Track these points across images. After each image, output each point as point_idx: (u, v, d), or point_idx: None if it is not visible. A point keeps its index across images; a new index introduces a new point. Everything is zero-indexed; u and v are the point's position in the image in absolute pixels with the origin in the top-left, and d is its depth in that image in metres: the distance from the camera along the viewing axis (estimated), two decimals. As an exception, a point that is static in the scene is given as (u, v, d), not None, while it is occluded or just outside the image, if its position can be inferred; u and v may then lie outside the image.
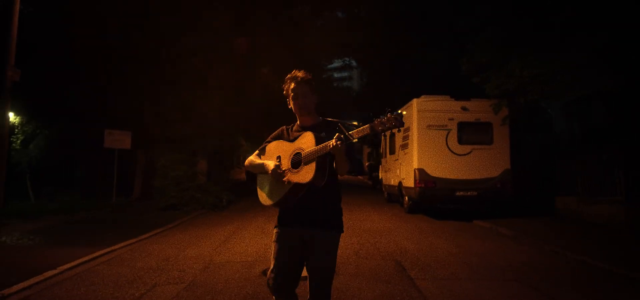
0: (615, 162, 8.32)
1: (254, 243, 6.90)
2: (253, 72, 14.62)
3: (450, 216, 9.77)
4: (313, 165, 2.15)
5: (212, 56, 13.21)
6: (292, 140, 2.35)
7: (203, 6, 12.33)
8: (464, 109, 9.88)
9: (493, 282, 4.66)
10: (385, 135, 14.30)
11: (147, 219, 9.86)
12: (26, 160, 15.49)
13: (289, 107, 2.45)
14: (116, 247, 6.59)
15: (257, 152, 2.51)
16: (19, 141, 15.52)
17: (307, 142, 2.23)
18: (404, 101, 11.03)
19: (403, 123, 1.99)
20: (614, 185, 8.29)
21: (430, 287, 4.37)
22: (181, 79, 13.43)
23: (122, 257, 6.09)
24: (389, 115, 1.96)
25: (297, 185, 2.22)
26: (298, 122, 2.47)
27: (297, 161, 2.24)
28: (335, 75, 37.05)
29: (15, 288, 4.38)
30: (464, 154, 9.73)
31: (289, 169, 2.26)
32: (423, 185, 9.63)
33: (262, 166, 2.37)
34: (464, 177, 9.59)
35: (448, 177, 9.57)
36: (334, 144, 2.04)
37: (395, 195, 12.44)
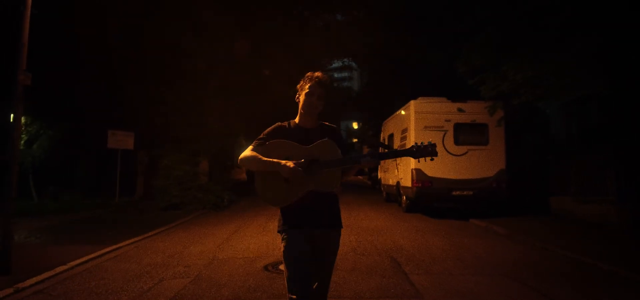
0: (607, 162, 8.55)
1: (256, 241, 7.12)
2: (254, 74, 14.84)
3: (447, 215, 10.00)
4: (337, 175, 2.29)
5: (214, 57, 13.44)
6: (306, 143, 2.33)
7: (205, 8, 12.54)
8: (460, 110, 10.12)
9: (484, 277, 4.88)
10: (384, 137, 14.54)
11: (150, 218, 10.08)
12: (29, 160, 15.69)
13: (296, 100, 2.43)
14: (122, 244, 6.82)
15: (252, 147, 2.37)
16: (22, 141, 15.73)
17: (328, 149, 2.29)
18: (404, 102, 11.28)
19: (436, 153, 2.24)
20: (606, 185, 8.52)
21: (422, 281, 4.60)
22: (183, 81, 13.66)
23: (128, 254, 6.31)
24: (427, 143, 2.24)
25: (316, 191, 2.27)
26: (297, 120, 2.45)
27: (316, 167, 2.27)
28: (336, 75, 37.28)
29: (28, 282, 4.60)
30: (460, 155, 9.96)
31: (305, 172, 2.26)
32: (420, 184, 9.86)
33: (274, 165, 2.26)
34: (460, 177, 9.82)
35: (445, 177, 9.80)
36: (369, 155, 2.25)
37: (393, 194, 12.68)
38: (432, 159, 2.29)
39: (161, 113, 14.47)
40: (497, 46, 8.16)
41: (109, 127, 12.71)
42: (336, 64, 24.49)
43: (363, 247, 6.44)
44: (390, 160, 12.74)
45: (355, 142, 37.55)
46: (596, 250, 5.97)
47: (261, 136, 2.40)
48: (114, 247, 6.57)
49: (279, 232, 2.37)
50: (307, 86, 2.37)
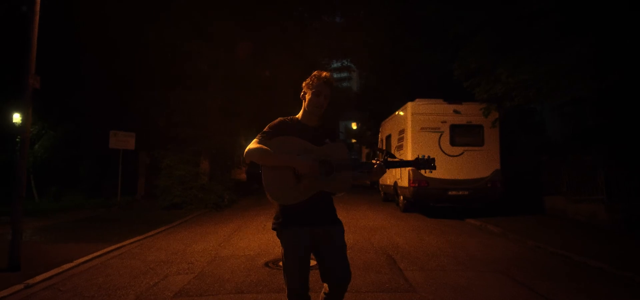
0: (598, 162, 8.77)
1: (257, 239, 7.32)
2: (255, 75, 15.03)
3: (443, 215, 10.21)
4: (349, 178, 2.41)
5: (215, 59, 13.62)
6: (313, 142, 2.37)
7: (208, 12, 12.72)
8: (456, 112, 10.33)
9: (476, 273, 5.08)
10: (382, 138, 14.74)
11: (152, 217, 10.27)
12: (31, 160, 15.86)
13: (301, 97, 2.45)
14: (126, 242, 7.01)
15: (257, 140, 2.32)
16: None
17: (340, 152, 2.39)
18: (402, 102, 11.49)
19: (435, 167, 2.49)
20: (597, 185, 8.74)
21: (417, 276, 4.79)
22: (185, 82, 13.85)
23: (132, 251, 6.50)
24: (427, 156, 2.49)
25: (325, 192, 2.35)
26: (299, 116, 2.47)
27: (329, 168, 2.33)
28: (335, 75, 37.43)
29: (38, 278, 4.78)
30: (456, 155, 10.17)
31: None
32: (417, 184, 10.06)
33: (289, 159, 2.26)
34: (456, 177, 10.02)
35: (441, 177, 9.98)
36: (379, 167, 2.42)
37: (391, 194, 12.88)
38: (430, 172, 2.51)
39: (163, 114, 14.66)
40: (491, 49, 8.36)
41: (110, 128, 12.88)
42: (335, 64, 24.69)
43: (360, 245, 6.63)
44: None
45: (354, 142, 37.75)
46: (586, 248, 6.18)
47: (266, 130, 2.37)
48: (118, 245, 6.76)
49: (274, 229, 2.38)
50: (315, 85, 2.38)
